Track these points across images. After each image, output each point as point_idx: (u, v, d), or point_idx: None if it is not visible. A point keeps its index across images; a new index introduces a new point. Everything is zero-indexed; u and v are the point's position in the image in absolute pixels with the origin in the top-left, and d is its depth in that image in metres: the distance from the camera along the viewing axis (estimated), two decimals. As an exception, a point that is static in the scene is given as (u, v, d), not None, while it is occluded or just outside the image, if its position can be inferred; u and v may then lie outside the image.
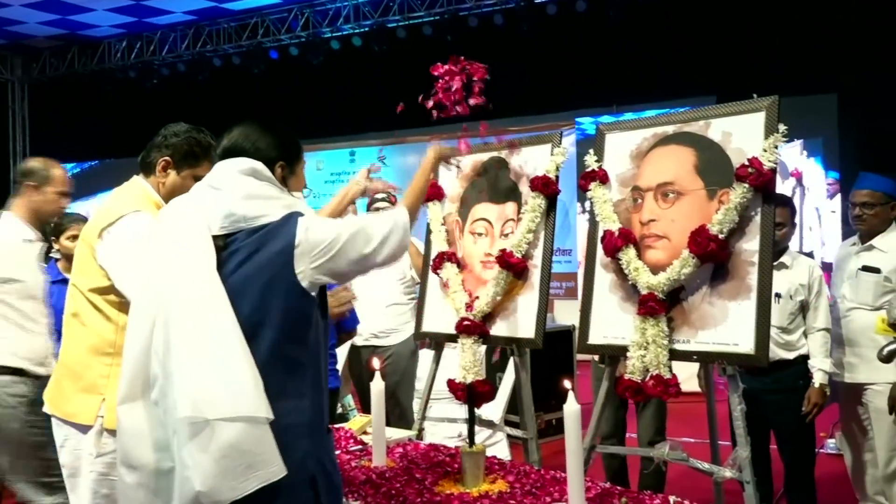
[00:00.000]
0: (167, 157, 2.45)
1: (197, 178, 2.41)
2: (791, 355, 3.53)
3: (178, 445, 1.68)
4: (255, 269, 1.78)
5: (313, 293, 1.83)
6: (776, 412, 3.55)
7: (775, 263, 3.53)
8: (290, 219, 1.84)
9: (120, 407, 1.81)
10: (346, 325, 3.96)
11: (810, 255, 8.46)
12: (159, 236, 1.89)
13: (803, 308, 3.55)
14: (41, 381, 3.04)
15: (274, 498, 1.69)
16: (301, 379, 1.80)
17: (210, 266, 1.77)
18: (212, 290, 1.74)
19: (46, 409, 2.50)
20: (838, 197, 9.29)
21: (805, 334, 3.54)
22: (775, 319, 3.48)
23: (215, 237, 1.82)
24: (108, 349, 2.36)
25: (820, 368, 3.46)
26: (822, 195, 9.36)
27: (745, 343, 2.43)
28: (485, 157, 3.26)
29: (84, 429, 2.37)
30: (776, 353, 3.47)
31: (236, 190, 1.85)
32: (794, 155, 8.61)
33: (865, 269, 3.57)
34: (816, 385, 3.45)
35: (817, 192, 9.36)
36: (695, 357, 2.54)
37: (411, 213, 2.13)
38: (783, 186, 8.29)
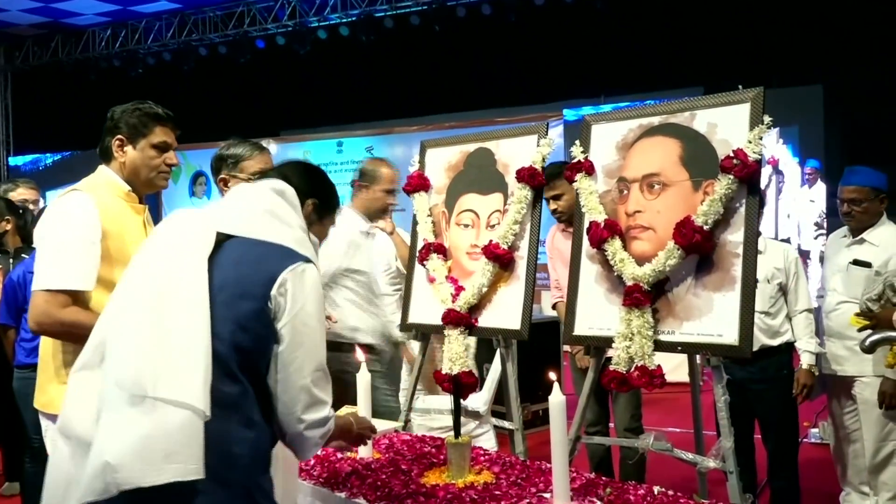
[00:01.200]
0: (119, 136, 2.46)
1: (155, 147, 2.45)
2: (775, 342, 3.56)
3: (104, 413, 1.60)
4: (235, 277, 1.74)
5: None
6: (760, 401, 3.59)
7: None
8: (294, 255, 1.78)
9: (73, 375, 1.75)
10: None
11: (787, 241, 8.53)
12: (166, 226, 1.87)
13: (784, 292, 3.58)
14: (383, 355, 3.78)
15: None
16: (249, 407, 1.70)
17: (201, 256, 1.73)
18: (194, 278, 1.70)
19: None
20: (818, 185, 9.35)
21: (789, 318, 3.58)
22: (757, 304, 3.52)
23: (220, 233, 1.80)
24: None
25: (806, 350, 3.51)
26: (797, 182, 9.43)
27: (729, 334, 2.44)
28: (471, 147, 3.25)
29: (54, 418, 2.37)
30: (760, 339, 3.50)
31: (260, 202, 1.86)
32: (770, 143, 8.69)
33: (856, 262, 3.57)
34: (804, 366, 3.50)
35: (792, 180, 9.43)
36: (679, 348, 2.55)
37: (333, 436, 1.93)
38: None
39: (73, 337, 2.22)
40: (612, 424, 4.06)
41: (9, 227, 4.29)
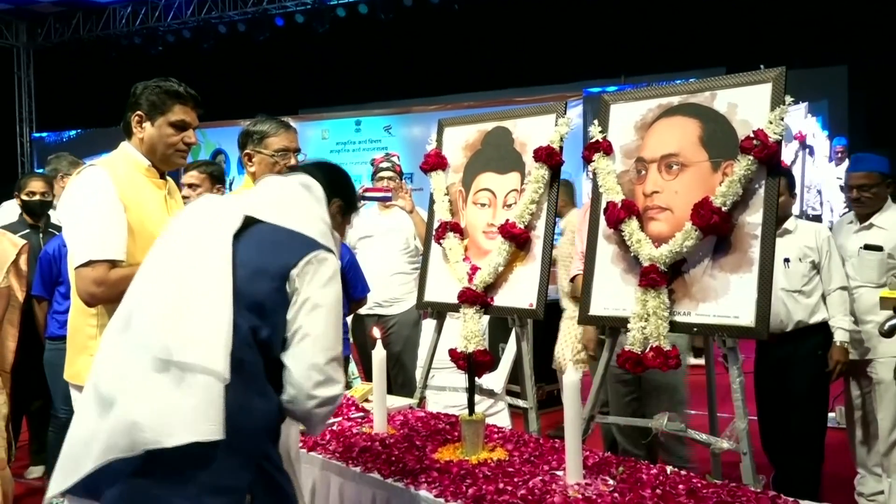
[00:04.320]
0: (139, 112, 2.47)
1: (173, 125, 2.46)
2: (811, 320, 3.56)
3: (130, 375, 1.65)
4: (258, 256, 1.79)
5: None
6: (794, 380, 3.58)
7: (779, 230, 3.55)
8: (316, 243, 1.83)
9: (104, 338, 1.80)
10: (357, 294, 3.99)
11: (818, 218, 8.40)
12: (195, 207, 1.93)
13: (817, 270, 3.57)
14: None
15: (206, 471, 1.62)
16: (262, 379, 1.74)
17: (227, 232, 1.80)
18: (220, 251, 1.77)
19: None
20: (845, 164, 9.19)
21: (824, 298, 3.57)
22: (787, 283, 3.54)
23: (248, 217, 1.86)
24: (93, 310, 2.39)
25: (839, 327, 3.49)
26: (825, 158, 9.21)
27: (745, 316, 2.43)
28: (489, 127, 3.24)
29: (80, 388, 2.41)
30: (796, 317, 3.54)
31: (289, 193, 1.93)
32: (798, 118, 8.51)
33: (868, 247, 3.60)
34: (838, 343, 3.49)
35: (821, 155, 9.21)
36: (695, 329, 2.55)
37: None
38: (786, 150, 8.20)
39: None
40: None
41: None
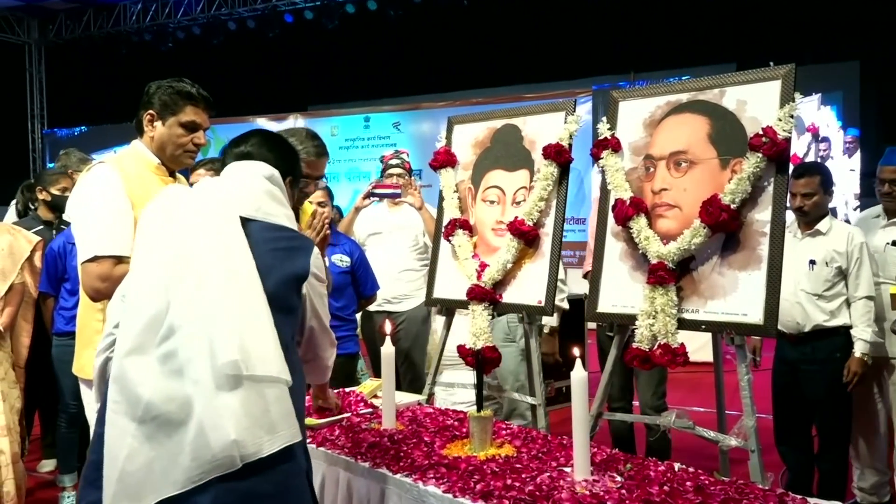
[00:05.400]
0: (151, 111, 2.49)
1: (183, 126, 2.48)
2: (830, 323, 3.46)
3: (205, 396, 1.68)
4: (277, 259, 1.88)
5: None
6: (811, 383, 3.51)
7: (811, 231, 3.50)
8: (306, 241, 2.00)
9: (126, 358, 1.74)
10: (367, 291, 4.00)
11: (833, 211, 8.34)
12: (178, 207, 1.90)
13: (843, 276, 3.47)
14: None
15: (278, 473, 1.74)
16: (293, 363, 1.85)
17: (240, 238, 1.84)
18: (242, 260, 1.82)
19: None
20: (857, 155, 9.11)
21: (847, 303, 3.47)
22: (809, 286, 3.46)
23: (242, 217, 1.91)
24: (99, 305, 2.42)
25: (861, 338, 3.40)
26: (840, 149, 9.09)
27: (754, 313, 2.43)
28: (498, 124, 3.24)
29: (88, 383, 2.44)
30: (814, 319, 3.46)
31: (259, 186, 1.97)
32: (811, 110, 8.41)
33: (895, 243, 3.55)
34: (857, 354, 3.40)
35: (837, 147, 9.08)
36: (703, 327, 2.55)
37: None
38: (798, 142, 8.12)
39: None
40: (636, 403, 4.08)
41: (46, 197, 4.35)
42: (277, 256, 1.88)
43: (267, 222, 1.92)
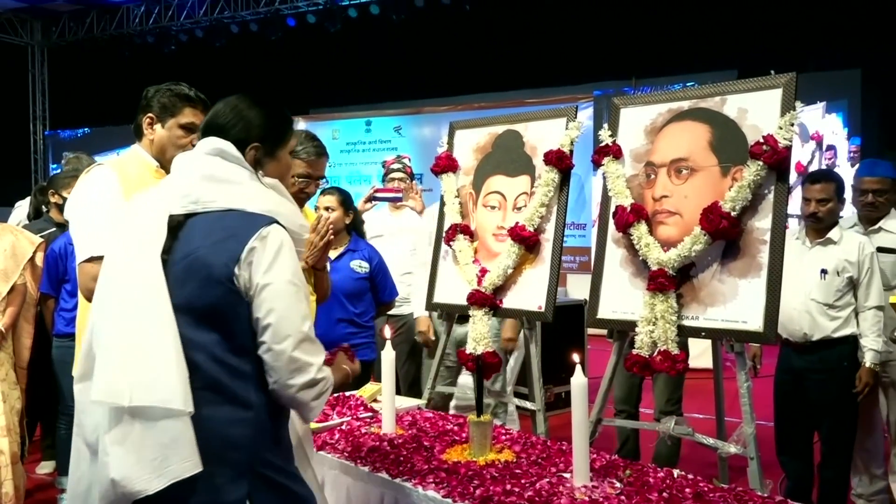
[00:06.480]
0: (150, 115, 2.51)
1: (183, 127, 2.49)
2: (838, 333, 3.45)
3: (101, 429, 1.62)
4: (199, 261, 1.66)
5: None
6: (818, 392, 3.49)
7: (822, 239, 3.49)
8: (254, 221, 1.68)
9: (76, 385, 1.78)
10: (385, 297, 3.99)
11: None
12: (128, 215, 1.80)
13: (853, 285, 3.46)
14: None
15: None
16: (244, 386, 1.66)
17: (153, 248, 1.66)
18: (149, 273, 1.64)
19: None
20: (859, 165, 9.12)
21: (856, 313, 3.46)
22: (820, 296, 3.45)
23: (174, 216, 1.71)
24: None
25: (871, 348, 3.39)
26: (845, 156, 9.08)
27: (753, 321, 2.43)
28: (500, 129, 3.25)
29: None
30: (823, 329, 3.45)
31: (196, 170, 1.75)
32: (815, 118, 8.41)
33: (881, 250, 3.56)
34: (868, 364, 3.39)
35: (841, 154, 9.07)
36: (703, 334, 2.55)
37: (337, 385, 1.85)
38: (802, 150, 8.13)
39: None
40: (645, 411, 4.07)
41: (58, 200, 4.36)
42: (202, 254, 1.65)
43: (209, 212, 1.70)
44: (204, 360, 1.63)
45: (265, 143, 1.81)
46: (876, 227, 3.71)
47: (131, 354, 1.59)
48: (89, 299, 2.38)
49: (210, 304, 1.64)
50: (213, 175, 1.73)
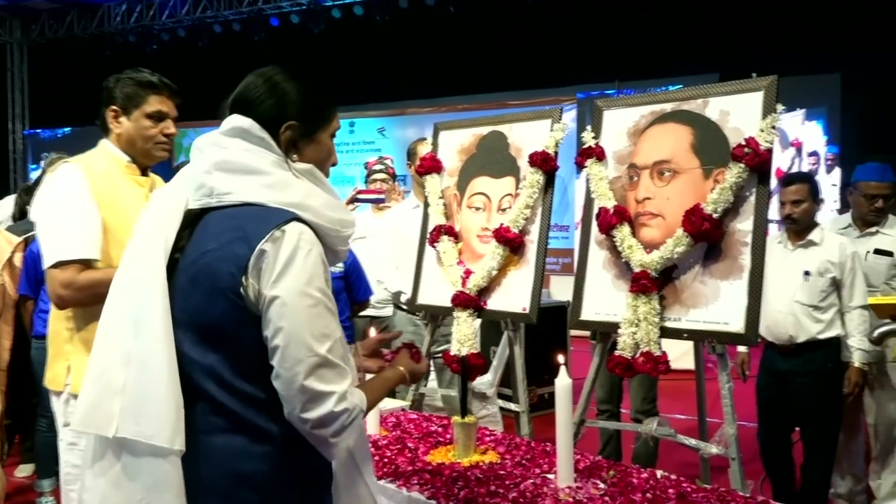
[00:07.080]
0: (114, 107, 2.40)
1: (150, 117, 2.37)
2: (823, 335, 3.47)
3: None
4: (206, 268, 1.43)
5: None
6: (802, 394, 3.51)
7: (803, 241, 3.53)
8: (270, 217, 1.41)
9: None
10: (360, 296, 3.99)
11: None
12: (148, 210, 1.58)
13: (836, 286, 3.49)
14: None
15: None
16: (260, 416, 1.42)
17: (158, 252, 1.46)
18: (149, 281, 1.44)
19: None
20: (836, 171, 9.23)
21: (841, 313, 3.49)
22: (804, 297, 3.48)
23: (191, 210, 1.50)
24: (67, 313, 2.31)
25: (858, 348, 3.42)
26: (822, 163, 9.20)
27: (735, 322, 2.45)
28: (484, 131, 3.26)
29: (57, 395, 2.38)
30: (808, 331, 3.47)
31: (210, 156, 1.49)
32: (795, 125, 8.49)
33: (878, 252, 3.61)
34: (856, 364, 3.42)
35: (824, 160, 9.18)
36: (685, 335, 2.57)
37: (370, 404, 1.54)
38: (782, 156, 8.22)
39: (98, 297, 2.19)
40: (624, 411, 4.10)
41: None
42: (220, 257, 1.41)
43: (224, 206, 1.46)
44: (212, 385, 1.41)
45: (303, 122, 1.54)
46: (871, 230, 3.74)
47: (121, 377, 1.40)
48: (59, 307, 2.27)
49: (214, 321, 1.41)
50: (228, 161, 1.46)
